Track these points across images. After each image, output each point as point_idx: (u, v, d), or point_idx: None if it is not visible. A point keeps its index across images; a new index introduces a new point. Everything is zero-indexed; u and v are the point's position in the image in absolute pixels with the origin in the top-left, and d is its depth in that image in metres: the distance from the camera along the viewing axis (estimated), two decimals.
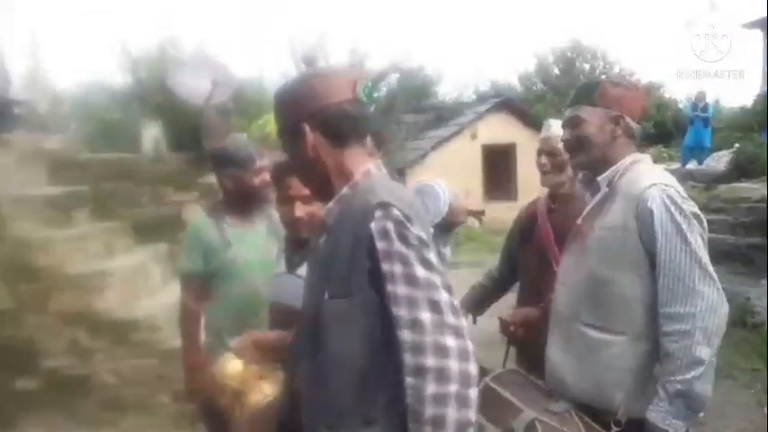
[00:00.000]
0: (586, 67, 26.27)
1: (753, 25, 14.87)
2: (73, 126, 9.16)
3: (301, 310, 1.59)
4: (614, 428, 1.84)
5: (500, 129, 17.00)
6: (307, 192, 1.95)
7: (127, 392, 4.42)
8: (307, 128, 1.46)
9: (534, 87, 26.66)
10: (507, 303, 2.91)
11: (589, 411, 1.89)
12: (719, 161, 12.72)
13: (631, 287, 1.86)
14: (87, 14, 42.20)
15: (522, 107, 18.88)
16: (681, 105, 19.66)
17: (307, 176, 1.58)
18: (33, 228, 4.73)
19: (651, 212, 1.81)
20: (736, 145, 12.49)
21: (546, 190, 2.74)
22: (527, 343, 2.54)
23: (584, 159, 2.04)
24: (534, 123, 17.44)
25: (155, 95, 7.30)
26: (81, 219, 5.53)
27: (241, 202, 2.75)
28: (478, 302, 2.91)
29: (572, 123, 2.04)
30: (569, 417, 1.87)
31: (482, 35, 47.82)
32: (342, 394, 1.41)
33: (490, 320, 2.83)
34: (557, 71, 26.41)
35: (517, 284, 2.86)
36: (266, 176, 2.59)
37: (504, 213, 6.70)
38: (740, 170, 11.05)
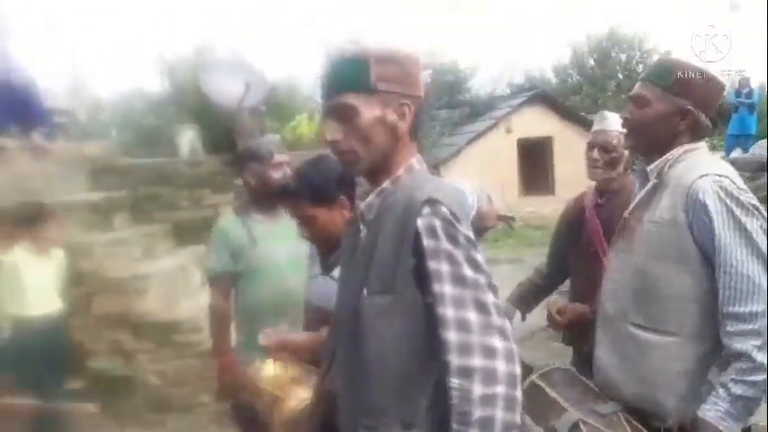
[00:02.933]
0: (623, 57, 25.67)
1: None
2: (113, 133, 9.38)
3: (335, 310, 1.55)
4: None
5: (535, 122, 16.77)
6: (308, 213, 1.93)
7: (171, 393, 4.50)
8: (412, 108, 1.41)
9: (570, 79, 26.18)
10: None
11: (639, 414, 1.81)
12: (765, 149, 12.28)
13: (682, 285, 1.75)
14: (126, 25, 43.11)
15: (558, 99, 18.59)
16: (723, 92, 19.04)
17: (373, 150, 1.41)
18: (75, 233, 4.83)
19: (704, 206, 1.70)
20: None
21: (591, 183, 2.65)
22: (581, 342, 2.46)
23: (633, 144, 1.95)
24: (570, 116, 17.18)
25: (190, 99, 7.40)
26: (121, 223, 5.65)
27: (264, 196, 2.72)
28: (527, 299, 2.84)
29: (636, 102, 1.89)
30: (617, 420, 1.79)
31: (515, 26, 47.26)
32: (381, 395, 1.37)
33: (539, 317, 2.75)
34: (592, 62, 25.88)
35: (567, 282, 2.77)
36: (287, 170, 2.60)
37: (542, 207, 6.61)
38: None
